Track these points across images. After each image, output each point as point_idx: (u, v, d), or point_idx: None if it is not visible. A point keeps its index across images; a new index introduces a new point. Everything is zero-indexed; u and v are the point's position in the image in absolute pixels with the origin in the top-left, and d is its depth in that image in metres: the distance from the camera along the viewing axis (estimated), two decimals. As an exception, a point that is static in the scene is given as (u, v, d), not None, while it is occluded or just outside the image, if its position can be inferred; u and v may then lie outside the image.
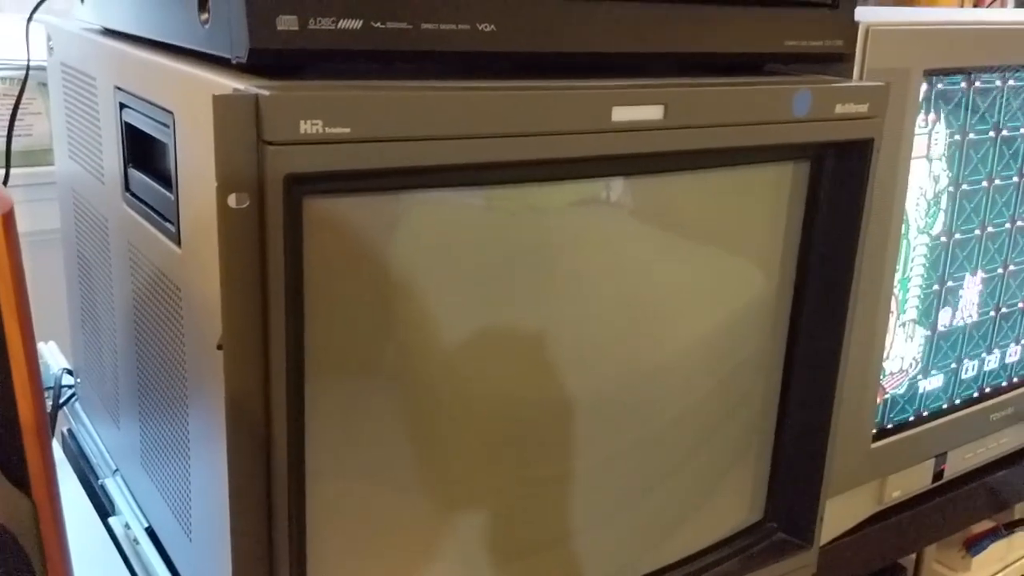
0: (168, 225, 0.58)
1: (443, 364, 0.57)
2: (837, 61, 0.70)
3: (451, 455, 0.59)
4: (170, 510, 0.65)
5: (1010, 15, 0.90)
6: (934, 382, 0.90)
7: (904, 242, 0.82)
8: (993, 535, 1.09)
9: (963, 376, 0.93)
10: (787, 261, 0.73)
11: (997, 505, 1.04)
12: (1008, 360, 0.98)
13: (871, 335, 0.80)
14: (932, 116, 0.79)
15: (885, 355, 0.85)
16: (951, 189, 0.84)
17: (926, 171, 0.82)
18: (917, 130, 0.78)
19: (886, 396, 0.86)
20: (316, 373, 0.52)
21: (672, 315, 0.67)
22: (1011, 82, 0.84)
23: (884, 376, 0.86)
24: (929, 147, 0.81)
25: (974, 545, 1.08)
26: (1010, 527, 1.11)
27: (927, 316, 0.87)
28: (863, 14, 0.71)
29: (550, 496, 0.65)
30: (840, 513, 0.86)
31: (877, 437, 0.86)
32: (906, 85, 0.74)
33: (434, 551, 0.61)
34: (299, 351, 0.50)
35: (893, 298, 0.83)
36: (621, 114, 0.55)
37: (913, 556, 1.09)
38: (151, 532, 0.71)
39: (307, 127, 0.45)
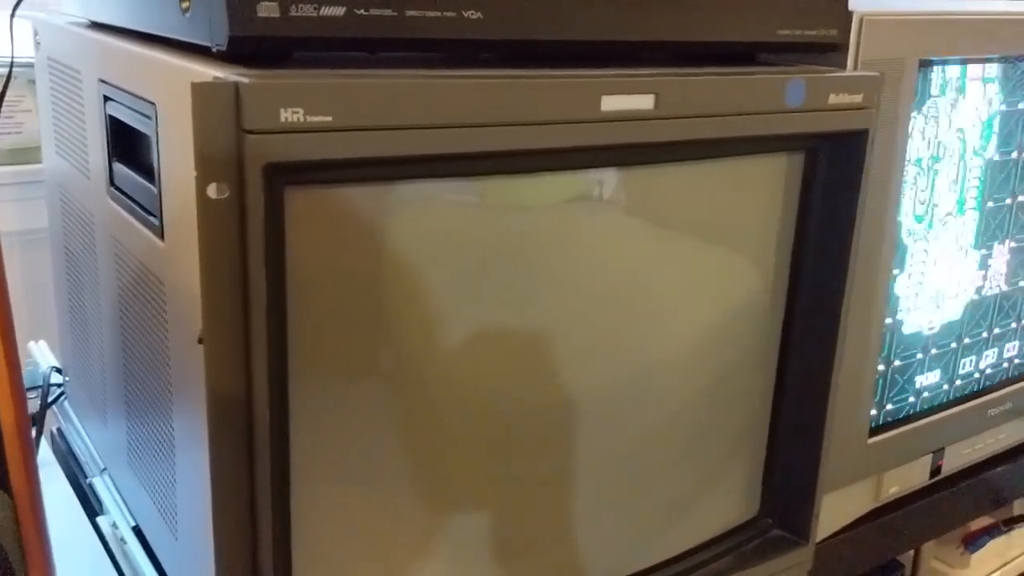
0: (151, 219, 0.57)
1: (432, 360, 0.56)
2: (831, 51, 0.70)
3: (439, 453, 0.58)
4: (157, 509, 0.64)
5: (1004, 5, 0.89)
6: (931, 377, 0.90)
7: (961, 163, 0.83)
8: (992, 532, 1.08)
9: (961, 371, 0.92)
10: (781, 254, 0.72)
11: (996, 501, 1.03)
12: (1006, 355, 0.97)
13: (866, 330, 0.80)
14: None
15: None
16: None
17: (980, 93, 0.82)
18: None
19: (944, 321, 0.87)
20: (300, 368, 0.51)
21: (665, 309, 0.66)
22: None
23: (943, 302, 0.86)
24: (984, 70, 0.81)
25: (973, 542, 1.07)
26: (1009, 524, 1.10)
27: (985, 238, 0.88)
28: (857, 3, 0.70)
29: (542, 495, 0.64)
30: (837, 509, 0.85)
31: (873, 432, 0.85)
32: (900, 75, 0.73)
33: (423, 549, 0.60)
34: (282, 345, 0.49)
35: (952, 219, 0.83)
36: (611, 103, 0.55)
37: (911, 553, 1.08)
38: (138, 531, 0.70)
39: (288, 115, 0.44)
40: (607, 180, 0.60)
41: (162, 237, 0.55)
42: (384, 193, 0.51)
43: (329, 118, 0.45)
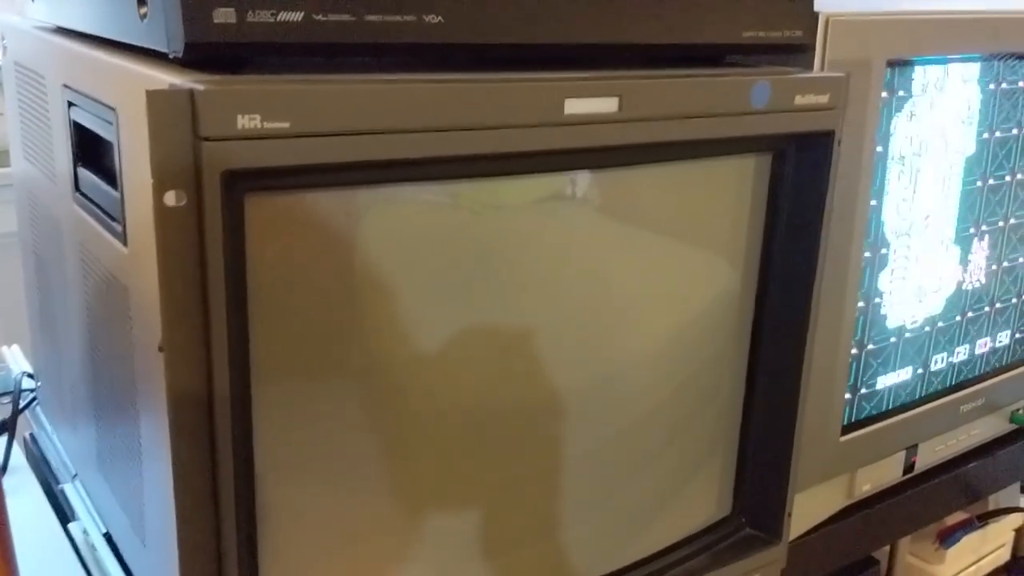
0: (115, 224, 0.57)
1: (401, 362, 0.56)
2: (798, 52, 0.70)
3: (410, 456, 0.58)
4: (126, 516, 0.64)
5: (980, 3, 0.90)
6: (903, 375, 0.90)
7: (942, 161, 0.84)
8: (967, 527, 1.09)
9: (933, 367, 0.93)
10: (751, 254, 0.72)
11: (970, 497, 1.04)
12: (978, 351, 0.97)
13: (837, 330, 0.80)
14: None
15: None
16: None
17: (957, 91, 0.83)
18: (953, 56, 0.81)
19: (923, 317, 0.88)
20: (263, 374, 0.51)
21: (637, 310, 0.66)
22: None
23: (925, 297, 0.87)
24: (958, 69, 0.83)
25: (948, 537, 1.08)
26: (983, 518, 1.10)
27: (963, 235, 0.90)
28: (824, 4, 0.70)
29: (515, 495, 0.64)
30: (810, 507, 0.86)
31: (846, 430, 0.86)
32: (868, 76, 0.74)
33: (391, 550, 0.60)
34: (244, 353, 0.49)
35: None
36: (574, 107, 0.54)
37: (887, 548, 1.08)
38: (109, 538, 0.70)
39: (244, 122, 0.44)
40: (575, 182, 0.60)
41: (125, 243, 0.55)
42: (346, 198, 0.51)
43: (287, 124, 0.45)
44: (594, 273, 0.63)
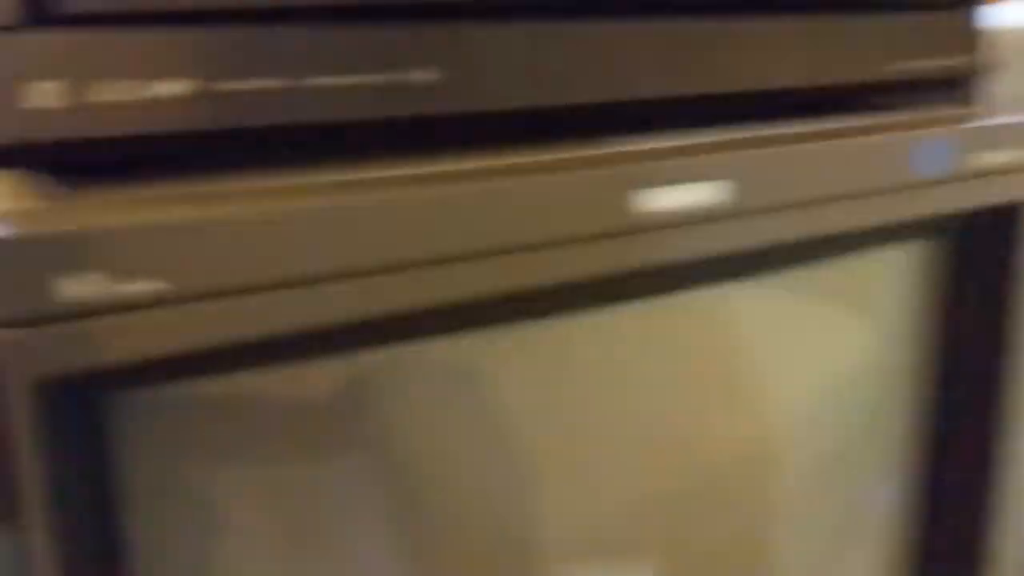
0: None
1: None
2: (952, 87, 0.49)
3: None
4: None
5: None
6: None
7: None
8: None
9: None
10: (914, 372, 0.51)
11: None
12: None
13: None
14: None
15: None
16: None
17: None
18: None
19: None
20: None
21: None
22: None
23: None
24: None
25: None
26: None
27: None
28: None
29: None
30: None
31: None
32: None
33: None
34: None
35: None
36: (647, 201, 0.34)
37: None
38: None
39: (75, 287, 0.24)
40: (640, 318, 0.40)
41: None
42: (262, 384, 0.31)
43: (162, 284, 0.25)
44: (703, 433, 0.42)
